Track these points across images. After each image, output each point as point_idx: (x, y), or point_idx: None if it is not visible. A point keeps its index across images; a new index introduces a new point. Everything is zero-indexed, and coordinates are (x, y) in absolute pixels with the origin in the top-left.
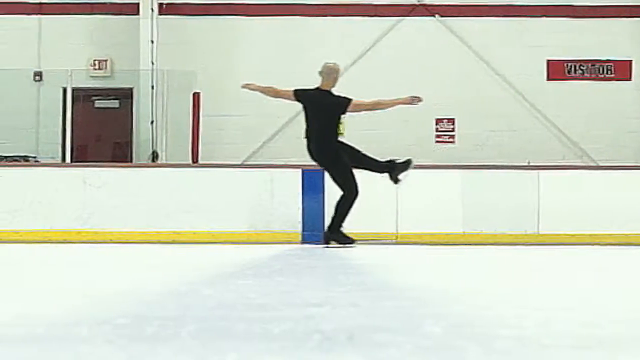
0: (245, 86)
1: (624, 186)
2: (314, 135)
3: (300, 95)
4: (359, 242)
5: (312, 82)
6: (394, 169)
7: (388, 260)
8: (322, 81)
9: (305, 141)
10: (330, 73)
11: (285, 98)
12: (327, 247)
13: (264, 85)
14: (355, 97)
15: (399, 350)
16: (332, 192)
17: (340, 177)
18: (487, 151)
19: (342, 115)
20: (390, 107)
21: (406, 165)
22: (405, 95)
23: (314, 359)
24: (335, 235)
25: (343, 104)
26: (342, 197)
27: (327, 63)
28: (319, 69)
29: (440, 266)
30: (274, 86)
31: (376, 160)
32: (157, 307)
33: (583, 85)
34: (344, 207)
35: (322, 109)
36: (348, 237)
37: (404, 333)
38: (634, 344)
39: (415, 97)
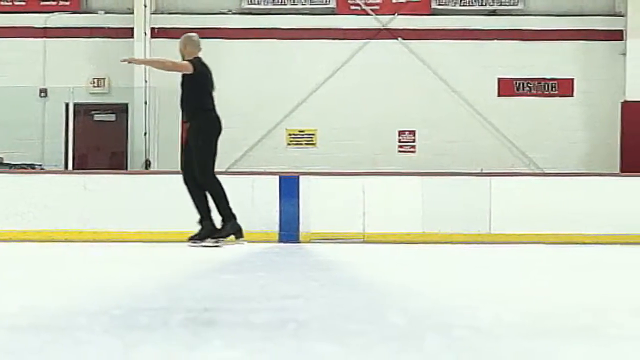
0: (129, 60)
1: (566, 191)
2: (214, 107)
3: (198, 66)
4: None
5: (291, 97)
6: None
7: (356, 258)
8: (198, 52)
9: (207, 115)
10: (200, 43)
11: (180, 70)
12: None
13: (152, 58)
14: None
15: (366, 338)
16: (306, 196)
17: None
18: (445, 160)
19: None
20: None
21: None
22: (374, 110)
23: (290, 346)
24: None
25: None
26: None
27: (192, 34)
28: (191, 39)
29: (403, 263)
30: (168, 58)
31: None
32: (149, 299)
33: (530, 101)
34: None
35: (212, 80)
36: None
37: (371, 323)
38: (577, 333)
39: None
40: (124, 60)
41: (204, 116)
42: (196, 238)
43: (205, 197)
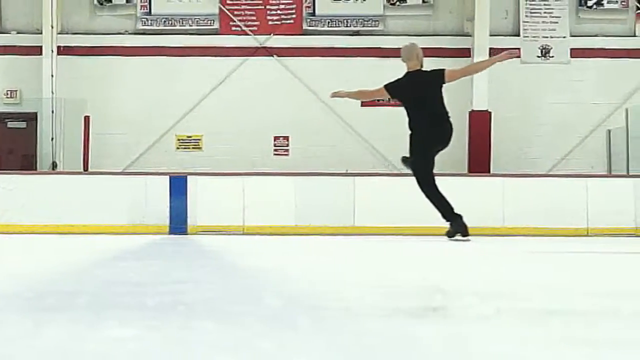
0: (334, 95)
1: (419, 189)
2: (443, 116)
3: (394, 87)
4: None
5: (180, 107)
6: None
7: (237, 248)
8: (409, 63)
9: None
10: (415, 51)
11: (378, 97)
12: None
13: (352, 91)
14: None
15: (246, 318)
16: (193, 194)
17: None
18: (315, 162)
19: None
20: (486, 67)
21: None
22: (252, 118)
23: (179, 325)
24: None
25: (438, 75)
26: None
27: (405, 45)
28: (402, 52)
29: (278, 252)
30: (363, 89)
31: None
32: (57, 284)
33: (389, 111)
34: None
35: (425, 89)
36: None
37: (250, 305)
38: (429, 313)
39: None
40: (333, 96)
41: (417, 131)
42: (450, 234)
43: (440, 196)
